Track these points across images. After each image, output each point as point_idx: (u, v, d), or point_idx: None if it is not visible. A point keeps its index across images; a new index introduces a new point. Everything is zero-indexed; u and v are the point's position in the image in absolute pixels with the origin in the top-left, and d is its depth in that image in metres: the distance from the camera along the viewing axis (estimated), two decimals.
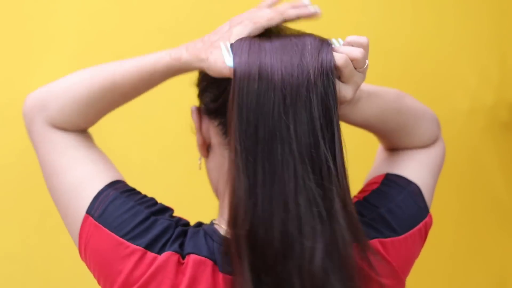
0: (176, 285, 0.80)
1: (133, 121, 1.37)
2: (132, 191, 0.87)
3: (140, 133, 1.41)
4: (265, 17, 0.80)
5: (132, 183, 0.90)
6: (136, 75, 0.85)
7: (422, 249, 0.93)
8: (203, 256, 0.81)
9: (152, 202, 0.86)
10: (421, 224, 0.89)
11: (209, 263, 0.81)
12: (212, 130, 0.89)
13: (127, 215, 0.83)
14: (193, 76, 0.90)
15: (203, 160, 0.93)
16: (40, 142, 0.90)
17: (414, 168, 0.94)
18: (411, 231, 0.87)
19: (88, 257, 0.86)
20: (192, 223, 0.88)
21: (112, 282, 0.83)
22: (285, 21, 0.82)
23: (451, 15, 1.57)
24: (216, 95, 0.86)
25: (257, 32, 0.80)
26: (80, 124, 0.90)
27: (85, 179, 0.86)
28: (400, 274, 0.86)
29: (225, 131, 0.87)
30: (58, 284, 1.38)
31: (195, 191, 1.28)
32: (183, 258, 0.81)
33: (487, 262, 1.64)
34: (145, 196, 0.87)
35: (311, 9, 0.84)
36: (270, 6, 0.86)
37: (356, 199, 0.90)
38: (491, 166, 1.62)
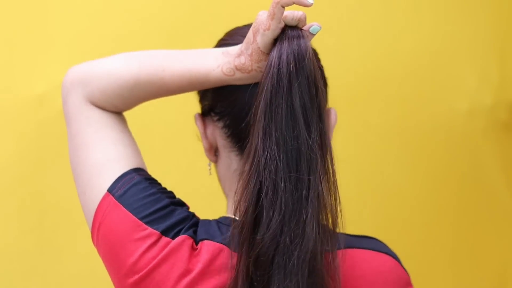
0: (190, 269, 0.80)
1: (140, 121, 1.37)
2: (155, 181, 0.88)
3: (146, 132, 1.41)
4: (267, 18, 0.79)
5: None
6: (186, 80, 0.86)
7: None
8: (217, 242, 0.82)
9: (172, 194, 0.88)
10: None
11: (225, 248, 0.82)
12: (217, 132, 0.90)
13: (148, 200, 0.84)
14: None
15: (213, 165, 0.94)
16: (75, 114, 0.90)
17: None
18: None
19: (100, 237, 0.85)
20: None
21: (120, 265, 0.82)
22: (284, 6, 0.79)
23: (451, 15, 1.57)
24: (220, 98, 0.88)
25: (277, 32, 0.79)
26: (119, 106, 0.90)
27: (112, 159, 0.87)
28: None
29: (229, 134, 0.88)
30: (56, 284, 1.38)
31: (198, 191, 1.28)
32: (197, 244, 0.82)
33: (487, 262, 1.64)
34: (165, 188, 0.88)
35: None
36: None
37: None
38: (491, 166, 1.62)
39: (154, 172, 0.91)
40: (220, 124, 0.89)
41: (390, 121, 1.45)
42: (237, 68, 0.83)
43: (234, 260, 0.80)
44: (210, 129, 0.91)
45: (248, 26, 0.86)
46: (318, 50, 0.90)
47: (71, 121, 0.91)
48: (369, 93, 1.48)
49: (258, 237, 0.76)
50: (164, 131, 1.39)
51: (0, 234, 1.34)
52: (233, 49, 0.85)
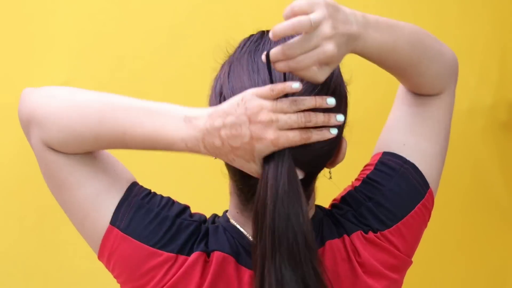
0: (201, 283, 0.82)
1: None
2: (150, 195, 0.87)
3: None
4: (288, 140, 0.76)
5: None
6: (148, 146, 0.82)
7: (428, 221, 0.94)
8: (226, 253, 0.84)
9: (170, 202, 0.87)
10: (417, 207, 0.90)
11: (231, 259, 0.84)
12: None
13: (154, 224, 0.84)
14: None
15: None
16: (41, 158, 0.87)
17: (413, 140, 0.94)
18: (406, 218, 0.89)
19: (113, 265, 0.86)
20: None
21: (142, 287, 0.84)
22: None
23: (451, 15, 1.57)
24: None
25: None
26: (80, 153, 0.86)
27: (101, 191, 0.85)
28: (406, 257, 0.89)
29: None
30: (57, 283, 1.38)
31: (195, 189, 1.28)
32: (209, 256, 0.84)
33: (487, 262, 1.64)
34: (162, 197, 0.87)
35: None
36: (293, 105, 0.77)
37: (350, 188, 0.93)
38: (491, 166, 1.62)
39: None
40: None
41: None
42: (204, 144, 0.77)
43: (242, 273, 0.82)
44: None
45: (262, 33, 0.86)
46: None
47: (40, 164, 0.87)
48: (368, 92, 1.48)
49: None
50: None
51: (1, 234, 1.34)
52: (196, 118, 0.77)
